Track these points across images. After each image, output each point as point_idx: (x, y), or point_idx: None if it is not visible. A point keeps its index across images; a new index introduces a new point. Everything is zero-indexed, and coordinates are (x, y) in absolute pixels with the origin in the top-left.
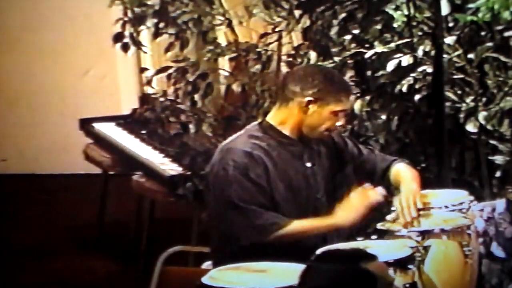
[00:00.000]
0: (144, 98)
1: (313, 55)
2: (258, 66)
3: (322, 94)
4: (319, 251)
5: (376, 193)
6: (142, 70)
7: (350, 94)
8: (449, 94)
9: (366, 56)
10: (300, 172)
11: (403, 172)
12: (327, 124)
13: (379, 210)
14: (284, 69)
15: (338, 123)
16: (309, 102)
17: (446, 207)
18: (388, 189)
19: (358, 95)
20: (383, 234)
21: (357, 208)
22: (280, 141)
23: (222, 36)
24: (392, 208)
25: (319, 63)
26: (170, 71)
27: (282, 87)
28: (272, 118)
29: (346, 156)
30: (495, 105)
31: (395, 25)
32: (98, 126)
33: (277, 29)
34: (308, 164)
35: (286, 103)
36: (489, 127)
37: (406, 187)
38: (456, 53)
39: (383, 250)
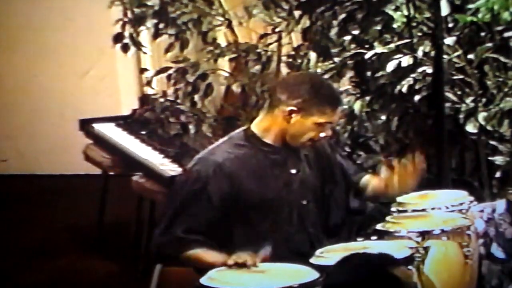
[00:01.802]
0: (144, 99)
1: (313, 55)
2: (258, 67)
3: (305, 105)
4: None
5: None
6: (142, 70)
7: (337, 107)
8: (449, 95)
9: (366, 56)
10: (281, 179)
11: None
12: (310, 135)
13: None
14: (284, 69)
15: (322, 134)
16: (292, 111)
17: (446, 207)
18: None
19: (358, 95)
20: (383, 235)
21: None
22: (261, 149)
23: (222, 36)
24: (392, 209)
25: (319, 63)
26: (170, 71)
27: (270, 93)
28: (257, 125)
29: (334, 163)
30: (495, 105)
31: (395, 25)
32: (98, 127)
33: (277, 30)
34: (293, 171)
35: (272, 111)
36: (489, 127)
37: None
38: (456, 53)
39: (383, 250)
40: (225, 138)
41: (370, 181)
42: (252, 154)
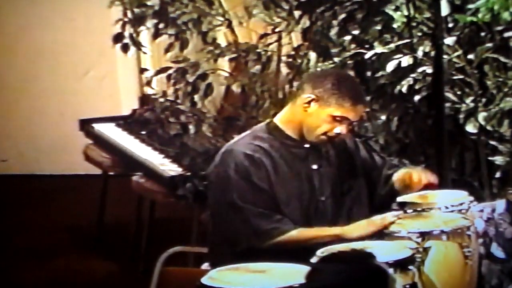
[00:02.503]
0: (144, 99)
1: (313, 55)
2: (258, 67)
3: (325, 94)
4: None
5: (390, 217)
6: (142, 70)
7: (357, 104)
8: (449, 95)
9: (366, 56)
10: (304, 174)
11: (406, 173)
12: (324, 128)
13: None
14: (284, 69)
15: (337, 130)
16: (311, 100)
17: (446, 207)
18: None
19: None
20: (383, 235)
21: (367, 226)
22: (284, 142)
23: (222, 36)
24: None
25: (319, 63)
26: (170, 71)
27: (298, 86)
28: (280, 118)
29: (356, 161)
30: (495, 105)
31: (395, 25)
32: (98, 127)
33: (276, 30)
34: (314, 166)
35: (294, 101)
36: (489, 127)
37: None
38: (456, 53)
39: (383, 251)
40: (248, 131)
41: (404, 174)
42: (276, 147)
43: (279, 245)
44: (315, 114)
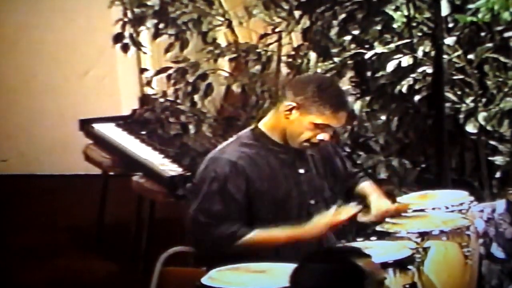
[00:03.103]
0: (144, 99)
1: (313, 55)
2: (258, 67)
3: (306, 102)
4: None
5: (349, 209)
6: (142, 70)
7: (338, 111)
8: (449, 95)
9: (366, 56)
10: (291, 179)
11: (367, 189)
12: (306, 135)
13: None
14: (284, 69)
15: (320, 137)
16: (292, 107)
17: (446, 207)
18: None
19: (358, 95)
20: (383, 235)
21: (322, 224)
22: (270, 148)
23: (222, 36)
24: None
25: (319, 63)
26: (170, 71)
27: (282, 92)
28: (265, 123)
29: (336, 165)
30: (495, 105)
31: (395, 25)
32: (98, 127)
33: (277, 30)
34: (301, 171)
35: (278, 107)
36: (489, 127)
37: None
38: (456, 53)
39: (383, 251)
40: (233, 138)
41: (362, 191)
42: (262, 154)
43: (240, 250)
44: (297, 121)
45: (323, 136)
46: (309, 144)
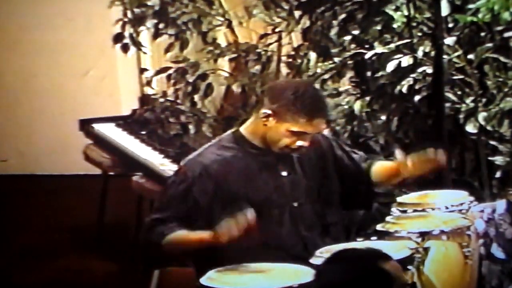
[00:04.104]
0: (144, 99)
1: (313, 55)
2: (258, 67)
3: (281, 110)
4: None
5: (247, 216)
6: (142, 70)
7: (313, 119)
8: (449, 95)
9: (366, 56)
10: (272, 182)
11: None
12: (285, 141)
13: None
14: (284, 69)
15: (299, 143)
16: (268, 115)
17: (446, 207)
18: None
19: (358, 95)
20: (383, 235)
21: (235, 225)
22: (249, 152)
23: (222, 36)
24: (392, 210)
25: (319, 63)
26: (170, 71)
27: (260, 98)
28: (246, 128)
29: (329, 161)
30: (495, 105)
31: (395, 25)
32: (98, 127)
33: (277, 30)
34: (284, 173)
35: (257, 113)
36: (489, 127)
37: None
38: (456, 53)
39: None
40: (215, 140)
41: (382, 165)
42: (240, 156)
43: (166, 249)
44: (274, 128)
45: (302, 142)
46: (289, 150)
